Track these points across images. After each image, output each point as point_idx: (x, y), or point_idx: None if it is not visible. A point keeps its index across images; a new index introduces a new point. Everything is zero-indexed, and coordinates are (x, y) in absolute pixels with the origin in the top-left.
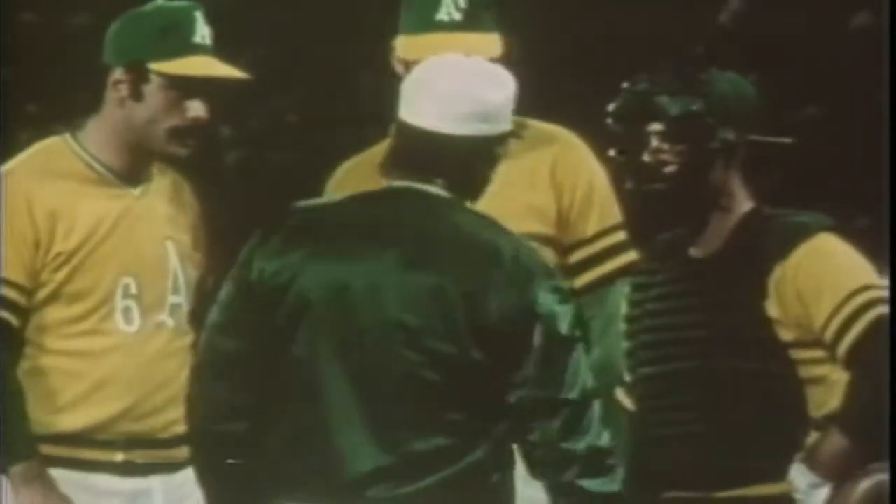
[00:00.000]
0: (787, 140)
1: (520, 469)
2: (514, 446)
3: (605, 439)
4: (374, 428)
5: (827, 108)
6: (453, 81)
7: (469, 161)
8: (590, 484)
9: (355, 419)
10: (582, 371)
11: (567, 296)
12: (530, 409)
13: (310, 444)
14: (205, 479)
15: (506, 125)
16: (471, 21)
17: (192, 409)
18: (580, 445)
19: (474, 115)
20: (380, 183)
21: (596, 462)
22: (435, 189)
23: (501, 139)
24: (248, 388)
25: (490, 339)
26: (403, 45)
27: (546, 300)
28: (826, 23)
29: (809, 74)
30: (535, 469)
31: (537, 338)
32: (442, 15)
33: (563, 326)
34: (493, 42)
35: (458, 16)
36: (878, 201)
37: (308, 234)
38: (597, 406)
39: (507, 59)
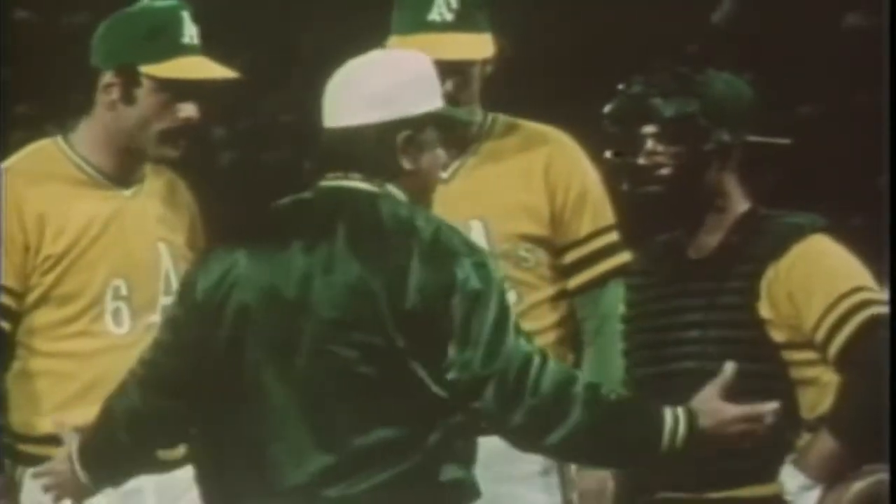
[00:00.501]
0: (785, 141)
1: (520, 471)
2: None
3: (544, 391)
4: (315, 429)
5: (820, 108)
6: (351, 76)
7: (375, 150)
8: (554, 438)
9: (297, 422)
10: (513, 343)
11: (491, 271)
12: (466, 389)
13: (253, 453)
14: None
15: (410, 109)
16: (462, 21)
17: (129, 424)
18: (521, 413)
19: (365, 104)
20: None
21: (545, 418)
22: (359, 183)
23: (404, 124)
24: (194, 407)
25: (415, 324)
26: (395, 46)
27: (468, 277)
28: (819, 22)
29: (803, 74)
30: (511, 443)
31: (458, 314)
32: (434, 15)
33: (489, 303)
34: (484, 42)
35: (449, 16)
36: (873, 201)
37: (243, 243)
38: (533, 370)
39: (499, 60)
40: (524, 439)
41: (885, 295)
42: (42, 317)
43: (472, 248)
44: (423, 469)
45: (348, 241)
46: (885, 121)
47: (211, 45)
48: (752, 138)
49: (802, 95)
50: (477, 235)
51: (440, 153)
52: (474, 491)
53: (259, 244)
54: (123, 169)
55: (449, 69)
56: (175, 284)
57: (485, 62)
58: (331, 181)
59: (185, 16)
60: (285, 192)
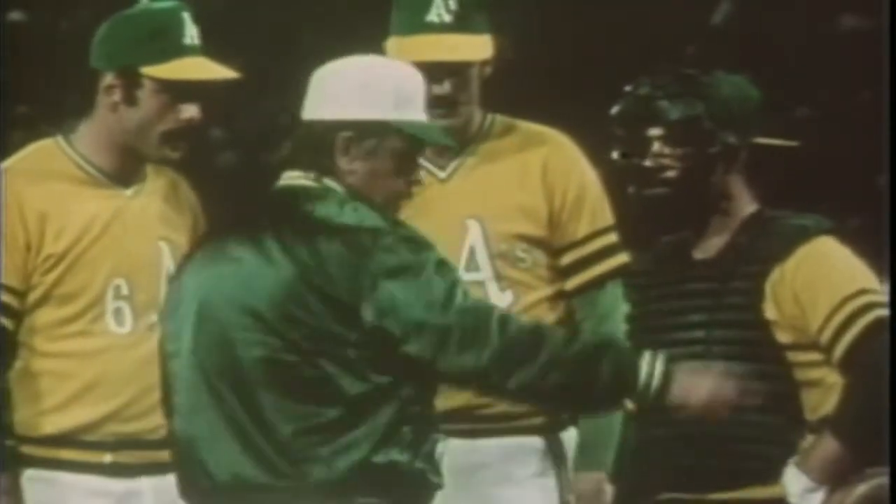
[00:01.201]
0: (792, 143)
1: (516, 473)
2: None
3: (511, 333)
4: (248, 421)
5: (818, 110)
6: (323, 74)
7: (313, 146)
8: (516, 381)
9: (222, 416)
10: (464, 301)
11: (421, 243)
12: (421, 351)
13: (187, 450)
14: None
15: (348, 112)
16: (461, 23)
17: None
18: (482, 358)
19: (316, 101)
20: None
21: (512, 358)
22: (300, 181)
23: (341, 126)
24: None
25: (338, 312)
26: (394, 47)
27: (378, 248)
28: (817, 24)
29: (801, 75)
30: (474, 389)
31: (379, 281)
32: (432, 17)
33: (423, 271)
34: (483, 44)
35: (447, 17)
36: (871, 202)
37: (198, 247)
38: (496, 316)
39: (498, 61)
40: (487, 383)
41: (886, 296)
42: (43, 316)
43: (393, 227)
44: (357, 451)
45: (280, 238)
46: (884, 121)
47: (211, 46)
48: (760, 140)
49: (800, 97)
50: (474, 235)
51: (399, 163)
52: (418, 478)
53: (208, 244)
54: (125, 168)
55: (447, 70)
56: None
57: (484, 63)
58: (283, 181)
59: (186, 17)
60: None
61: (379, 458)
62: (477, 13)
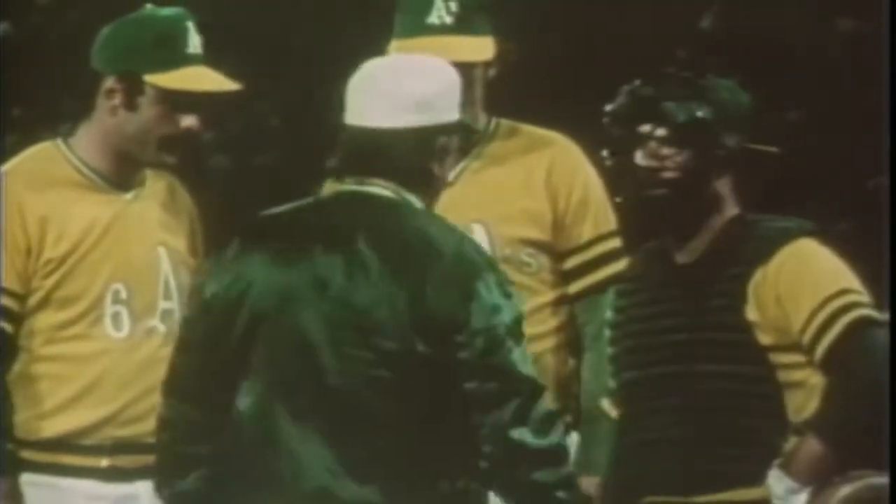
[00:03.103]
0: (774, 149)
1: None
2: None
3: (555, 434)
4: (332, 433)
5: (812, 113)
6: (388, 78)
7: (412, 155)
8: (542, 476)
9: (312, 425)
10: (527, 365)
11: (511, 290)
12: (478, 401)
13: (268, 455)
14: (162, 495)
15: (447, 115)
16: (462, 25)
17: (159, 428)
18: (529, 438)
19: (409, 107)
20: None
21: (547, 455)
22: (380, 190)
23: (442, 130)
24: (210, 407)
25: (433, 333)
26: (396, 50)
27: (488, 293)
28: (810, 27)
29: (792, 79)
30: (489, 468)
31: (480, 330)
32: (433, 19)
33: (506, 318)
34: (483, 45)
35: (449, 19)
36: (864, 204)
37: (259, 245)
38: (546, 401)
39: (499, 63)
40: (514, 466)
41: (869, 297)
42: (42, 320)
43: (493, 266)
44: (428, 477)
45: (369, 249)
46: (884, 123)
47: (203, 48)
48: (750, 146)
49: (796, 100)
50: (479, 239)
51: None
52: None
53: (275, 247)
54: (123, 173)
55: None
56: (174, 289)
57: (487, 66)
58: (350, 185)
59: (190, 25)
60: (278, 195)
61: (447, 489)
62: (478, 15)
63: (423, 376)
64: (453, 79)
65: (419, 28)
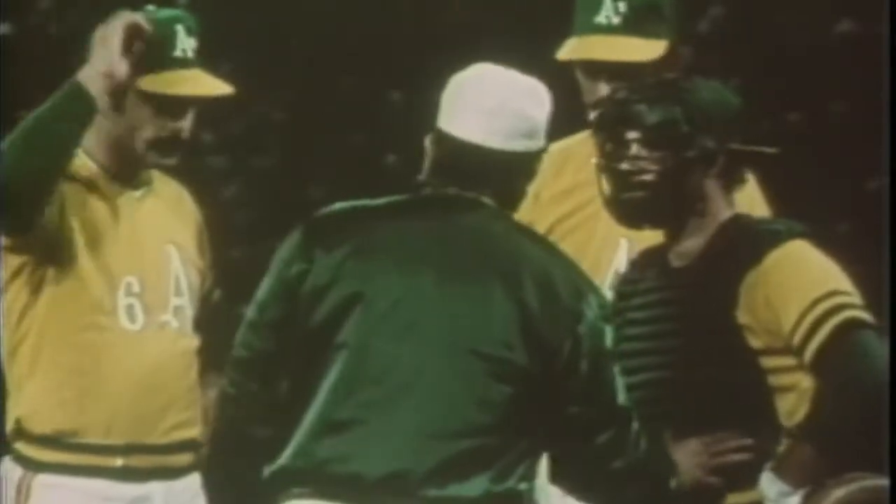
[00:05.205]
0: (770, 150)
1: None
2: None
3: (643, 452)
4: (421, 423)
5: (810, 114)
6: (498, 96)
7: (512, 175)
8: (634, 487)
9: (401, 412)
10: (623, 393)
11: (610, 313)
12: (582, 425)
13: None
14: (211, 479)
15: (543, 142)
16: (629, 25)
17: (223, 407)
18: (628, 462)
19: (519, 132)
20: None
21: (642, 476)
22: (484, 199)
23: (540, 155)
24: (278, 388)
25: (540, 350)
26: (569, 46)
27: (593, 316)
28: (809, 30)
29: (793, 79)
30: (581, 489)
31: (585, 353)
32: (601, 18)
33: (608, 342)
34: (650, 47)
35: (616, 20)
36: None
37: (353, 235)
38: (634, 430)
39: (666, 66)
40: (613, 489)
41: (861, 299)
42: (57, 306)
43: (595, 288)
44: (500, 481)
45: (480, 254)
46: (884, 125)
47: (201, 51)
48: (737, 146)
49: (790, 103)
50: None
51: None
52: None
53: (372, 239)
54: (129, 170)
55: (615, 72)
56: (185, 286)
57: (658, 69)
58: (452, 190)
59: (179, 28)
60: (277, 196)
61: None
62: (648, 17)
63: (522, 390)
64: (549, 104)
65: (587, 27)
